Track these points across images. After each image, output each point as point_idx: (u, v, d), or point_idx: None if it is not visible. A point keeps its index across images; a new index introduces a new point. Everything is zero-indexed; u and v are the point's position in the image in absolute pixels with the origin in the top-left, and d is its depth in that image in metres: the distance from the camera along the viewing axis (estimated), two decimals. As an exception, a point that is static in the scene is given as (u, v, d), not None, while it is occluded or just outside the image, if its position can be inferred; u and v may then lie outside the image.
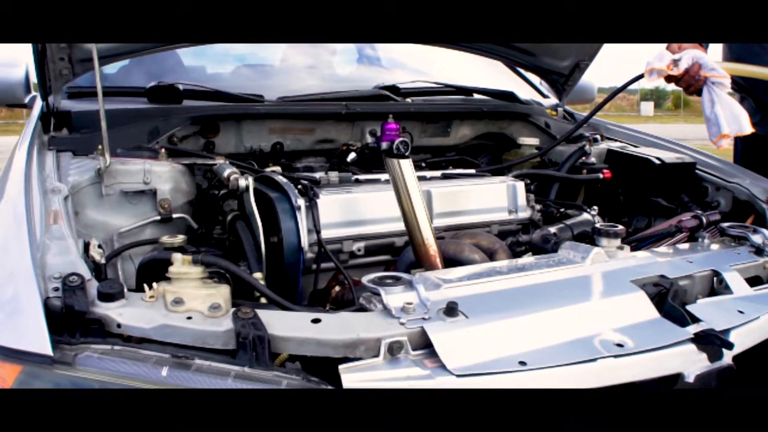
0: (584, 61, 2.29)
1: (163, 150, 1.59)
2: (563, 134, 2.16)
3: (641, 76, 1.85)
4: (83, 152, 1.58)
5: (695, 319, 1.14)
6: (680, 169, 1.93)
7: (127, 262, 1.46)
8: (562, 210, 1.80)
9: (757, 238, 1.49)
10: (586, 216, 1.71)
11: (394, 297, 1.03)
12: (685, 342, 1.08)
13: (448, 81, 2.40)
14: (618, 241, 1.38)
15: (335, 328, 0.95)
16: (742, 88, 2.35)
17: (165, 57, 2.22)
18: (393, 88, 2.22)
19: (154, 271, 1.13)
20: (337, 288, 1.40)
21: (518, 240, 1.63)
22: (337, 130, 2.04)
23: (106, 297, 0.93)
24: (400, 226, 1.41)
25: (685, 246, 1.53)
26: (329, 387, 0.90)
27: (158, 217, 1.51)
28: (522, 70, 2.72)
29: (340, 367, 0.90)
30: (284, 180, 1.48)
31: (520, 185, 1.75)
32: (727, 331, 1.13)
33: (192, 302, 0.97)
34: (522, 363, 0.95)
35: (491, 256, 1.49)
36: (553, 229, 1.61)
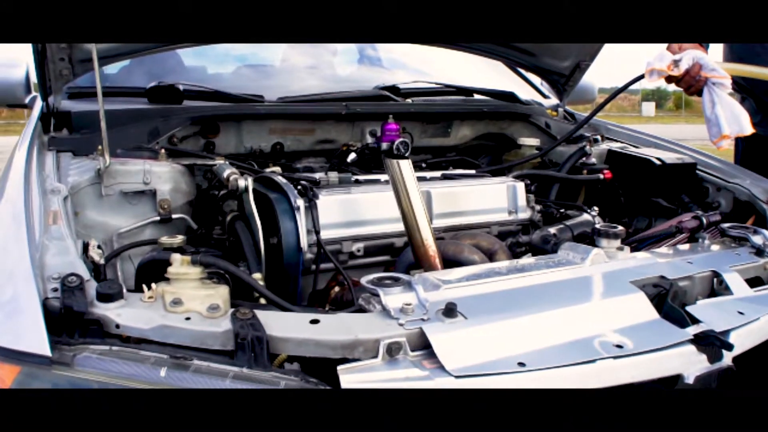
0: (585, 62, 2.29)
1: (162, 150, 1.59)
2: (564, 135, 2.16)
3: (642, 77, 1.85)
4: (83, 152, 1.58)
5: (695, 320, 1.14)
6: (681, 170, 1.93)
7: (126, 263, 1.46)
8: (562, 211, 1.79)
9: (757, 239, 1.49)
10: (586, 217, 1.71)
11: (393, 298, 1.02)
12: (685, 343, 1.07)
13: (448, 81, 2.40)
14: (618, 242, 1.38)
15: (334, 328, 0.95)
16: (743, 88, 2.34)
17: (166, 57, 2.22)
18: (393, 89, 2.21)
19: (153, 271, 1.13)
20: (337, 288, 1.40)
21: (518, 241, 1.62)
22: (337, 131, 2.04)
23: (104, 297, 0.93)
24: (400, 226, 1.41)
25: (686, 247, 1.53)
26: (327, 387, 0.90)
27: (158, 218, 1.51)
28: (522, 71, 2.72)
29: (339, 368, 0.90)
30: (284, 180, 1.48)
31: (520, 186, 1.75)
32: (726, 332, 1.12)
33: (191, 303, 0.97)
34: (521, 364, 0.94)
35: (491, 256, 1.49)
36: (552, 230, 1.61)
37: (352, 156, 1.87)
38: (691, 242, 1.58)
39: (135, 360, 0.87)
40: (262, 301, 1.15)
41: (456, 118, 2.22)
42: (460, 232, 1.61)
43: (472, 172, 1.91)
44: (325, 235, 1.43)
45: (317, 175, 1.61)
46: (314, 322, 0.96)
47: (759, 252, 1.47)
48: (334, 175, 1.62)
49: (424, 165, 2.14)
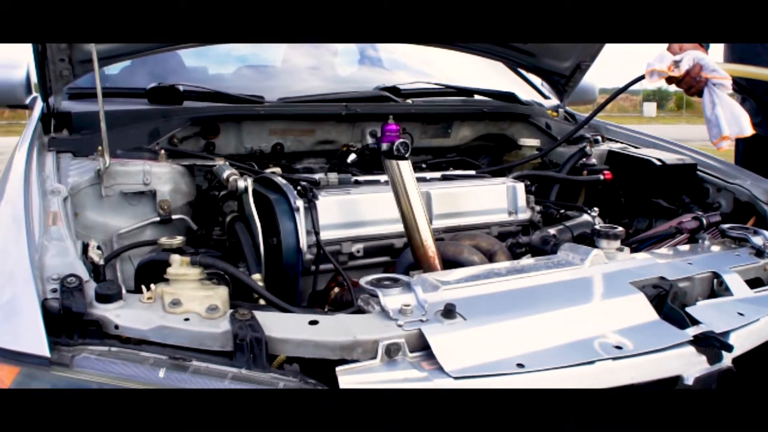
0: (585, 62, 2.29)
1: (162, 151, 1.59)
2: (564, 135, 2.16)
3: (642, 77, 1.85)
4: (83, 153, 1.58)
5: (695, 321, 1.14)
6: (681, 170, 1.93)
7: (126, 264, 1.46)
8: (562, 211, 1.79)
9: (757, 240, 1.49)
10: (586, 217, 1.71)
11: (392, 299, 1.02)
12: (685, 344, 1.07)
13: (449, 82, 2.40)
14: (617, 243, 1.38)
15: (332, 329, 0.95)
16: (743, 89, 2.34)
17: (167, 58, 2.23)
18: (393, 89, 2.22)
19: (152, 272, 1.13)
20: (336, 289, 1.40)
21: (518, 241, 1.62)
22: (337, 131, 2.04)
23: (103, 298, 0.93)
24: (400, 227, 1.41)
25: (686, 247, 1.53)
26: (325, 388, 0.90)
27: (158, 219, 1.52)
28: (523, 71, 2.72)
29: (337, 368, 0.90)
30: (283, 181, 1.48)
31: (520, 186, 1.75)
32: (726, 334, 1.12)
33: (190, 304, 0.97)
34: (520, 365, 0.94)
35: (491, 257, 1.49)
36: (552, 231, 1.61)
37: (352, 157, 1.88)
38: (691, 243, 1.58)
39: (134, 361, 0.87)
40: (262, 302, 1.15)
41: (456, 118, 2.22)
42: (460, 232, 1.61)
43: (472, 172, 1.90)
44: (324, 235, 1.43)
45: (317, 176, 1.61)
46: (313, 323, 0.96)
47: (759, 253, 1.46)
48: (333, 176, 1.62)
49: (424, 166, 2.14)
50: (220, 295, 0.99)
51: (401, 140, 1.37)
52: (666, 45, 1.89)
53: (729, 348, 1.08)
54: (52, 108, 1.81)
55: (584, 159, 2.02)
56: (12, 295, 0.92)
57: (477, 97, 2.40)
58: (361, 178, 1.66)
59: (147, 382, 0.85)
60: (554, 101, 2.59)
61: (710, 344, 1.08)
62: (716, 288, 1.32)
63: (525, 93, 2.59)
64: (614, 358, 1.00)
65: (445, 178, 1.78)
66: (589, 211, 1.74)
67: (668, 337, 1.07)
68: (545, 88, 2.67)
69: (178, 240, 1.18)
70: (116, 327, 0.92)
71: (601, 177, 1.95)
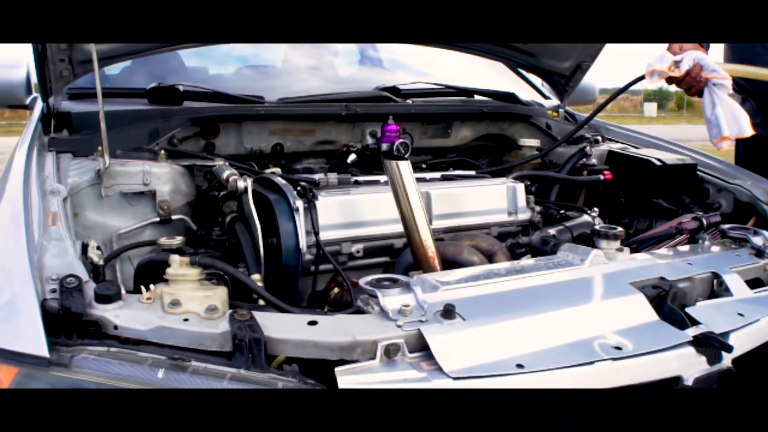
0: (585, 62, 2.29)
1: (162, 151, 1.59)
2: (564, 135, 2.16)
3: (642, 78, 1.85)
4: (83, 153, 1.58)
5: (694, 322, 1.14)
6: (681, 171, 1.92)
7: (126, 264, 1.46)
8: (562, 212, 1.79)
9: (757, 240, 1.49)
10: (585, 218, 1.71)
11: (391, 299, 1.02)
12: (684, 345, 1.07)
13: (449, 82, 2.40)
14: (617, 243, 1.38)
15: (331, 330, 0.95)
16: (744, 89, 2.34)
17: (167, 58, 2.23)
18: (393, 89, 2.21)
19: (152, 272, 1.13)
20: (336, 290, 1.40)
21: (518, 242, 1.62)
22: (337, 132, 2.04)
23: (102, 299, 0.93)
24: (399, 227, 1.41)
25: (686, 248, 1.52)
26: (323, 388, 0.90)
27: (157, 219, 1.52)
28: (523, 71, 2.72)
29: (336, 369, 0.90)
30: (283, 182, 1.48)
31: (520, 187, 1.74)
32: (726, 334, 1.12)
33: (189, 304, 0.97)
34: (519, 366, 0.94)
35: (490, 258, 1.49)
36: (552, 231, 1.61)
37: (352, 157, 1.87)
38: (691, 243, 1.58)
39: (133, 361, 0.87)
40: (261, 302, 1.15)
41: (456, 118, 2.22)
42: (460, 233, 1.61)
43: (472, 173, 1.90)
44: (324, 236, 1.43)
45: (317, 176, 1.61)
46: (312, 323, 0.96)
47: (759, 253, 1.46)
48: (333, 176, 1.62)
49: (424, 166, 2.14)
50: (219, 295, 0.99)
51: (401, 140, 1.37)
52: (666, 45, 1.89)
53: (729, 348, 1.08)
54: (52, 108, 1.81)
55: (584, 159, 2.02)
56: (11, 295, 0.92)
57: (477, 97, 2.40)
58: (360, 179, 1.66)
59: (146, 383, 0.85)
60: (554, 101, 2.59)
61: (710, 345, 1.08)
62: (716, 288, 1.32)
63: (525, 93, 2.59)
64: (614, 359, 1.00)
65: (444, 179, 1.78)
66: (589, 212, 1.74)
67: (668, 338, 1.07)
68: (545, 89, 2.67)
69: (178, 240, 1.18)
70: (115, 327, 0.91)
71: (601, 177, 1.95)
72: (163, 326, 0.92)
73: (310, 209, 1.42)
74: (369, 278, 1.09)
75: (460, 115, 2.22)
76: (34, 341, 0.84)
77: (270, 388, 0.87)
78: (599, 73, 2.98)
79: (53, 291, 0.93)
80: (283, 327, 0.95)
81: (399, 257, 1.52)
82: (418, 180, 1.39)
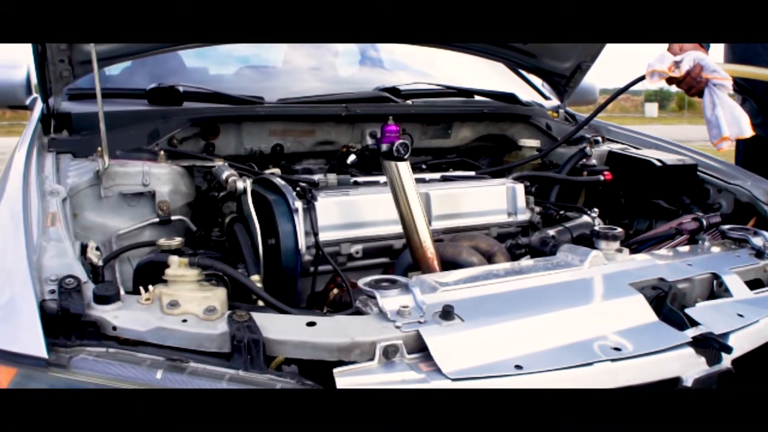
0: (586, 63, 2.29)
1: (162, 152, 1.59)
2: (564, 136, 2.15)
3: (642, 78, 1.85)
4: (83, 154, 1.58)
5: (694, 323, 1.14)
6: (681, 171, 1.92)
7: (125, 265, 1.46)
8: (562, 212, 1.79)
9: (757, 241, 1.48)
10: (585, 218, 1.71)
11: (390, 300, 1.02)
12: (684, 346, 1.07)
13: (449, 83, 2.39)
14: (617, 244, 1.38)
15: (330, 331, 0.95)
16: (744, 89, 2.34)
17: (167, 58, 2.23)
18: (393, 90, 2.21)
19: (151, 273, 1.13)
20: (335, 290, 1.40)
21: (518, 242, 1.62)
22: (337, 132, 2.04)
23: (101, 299, 0.93)
24: (399, 228, 1.41)
25: (685, 248, 1.52)
26: (320, 388, 0.90)
27: (157, 219, 1.52)
28: (524, 72, 2.71)
29: (335, 370, 0.89)
30: (282, 182, 1.48)
31: (520, 187, 1.74)
32: (726, 335, 1.12)
33: (188, 305, 0.97)
34: (518, 367, 0.94)
35: (490, 258, 1.49)
36: (551, 232, 1.61)
37: (351, 157, 1.87)
38: (691, 244, 1.58)
39: (131, 362, 0.87)
40: (261, 303, 1.15)
41: (456, 119, 2.21)
42: (459, 233, 1.61)
43: (472, 173, 1.90)
44: (323, 237, 1.43)
45: (316, 177, 1.61)
46: (311, 324, 0.96)
47: (759, 254, 1.46)
48: (333, 177, 1.62)
49: (424, 166, 2.14)
50: (218, 296, 0.99)
51: (401, 141, 1.37)
52: (666, 45, 1.88)
53: (728, 349, 1.08)
54: (52, 109, 1.81)
55: (584, 160, 2.01)
56: (10, 296, 0.92)
57: (477, 97, 2.39)
58: (360, 179, 1.66)
59: (144, 384, 0.85)
60: (555, 102, 2.59)
61: (709, 345, 1.08)
62: (716, 289, 1.31)
63: (525, 94, 2.59)
64: (613, 360, 1.00)
65: (444, 179, 1.78)
66: (588, 212, 1.73)
67: (667, 339, 1.07)
68: (546, 89, 2.66)
69: (177, 241, 1.18)
70: (114, 328, 0.91)
71: (601, 178, 1.95)
72: (161, 327, 0.92)
73: (310, 210, 1.42)
74: (367, 279, 1.09)
75: (460, 115, 2.22)
76: (33, 342, 0.84)
77: (268, 388, 0.87)
78: (600, 73, 2.98)
79: (52, 292, 0.93)
80: (281, 328, 0.95)
81: (398, 258, 1.52)
82: (418, 181, 1.39)
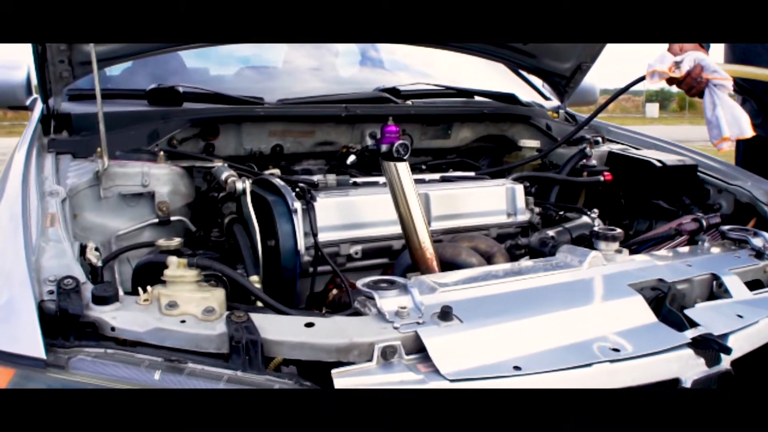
0: (586, 63, 2.29)
1: (161, 152, 1.59)
2: (564, 136, 2.15)
3: (642, 78, 1.85)
4: (83, 155, 1.59)
5: (693, 324, 1.13)
6: (681, 172, 1.92)
7: (124, 265, 1.46)
8: (562, 213, 1.79)
9: (757, 242, 1.48)
10: (585, 219, 1.70)
11: (388, 301, 1.02)
12: (683, 347, 1.06)
13: (449, 83, 2.39)
14: (616, 245, 1.38)
15: (328, 332, 0.95)
16: (744, 89, 2.33)
17: (168, 59, 2.23)
18: (393, 91, 2.21)
19: (149, 274, 1.13)
20: (335, 291, 1.40)
21: (517, 243, 1.62)
22: (337, 133, 2.04)
23: (100, 300, 0.93)
24: (398, 229, 1.41)
25: (685, 249, 1.52)
26: (317, 388, 0.90)
27: (156, 220, 1.52)
28: (524, 72, 2.71)
29: (333, 371, 0.89)
30: (281, 183, 1.48)
31: (519, 188, 1.74)
32: (725, 336, 1.12)
33: (186, 306, 0.97)
34: (516, 368, 0.94)
35: (489, 259, 1.48)
36: (551, 233, 1.61)
37: (351, 158, 1.87)
38: (690, 245, 1.58)
39: (129, 363, 0.87)
40: (259, 304, 1.15)
41: (456, 119, 2.21)
42: (459, 234, 1.61)
43: (471, 174, 1.90)
44: (322, 237, 1.43)
45: (315, 178, 1.61)
46: (309, 325, 0.96)
47: (759, 254, 1.46)
48: (332, 178, 1.62)
49: (423, 167, 2.13)
50: (216, 297, 0.99)
51: (401, 142, 1.37)
52: (666, 46, 1.88)
53: (727, 350, 1.08)
54: (51, 109, 1.81)
55: (584, 160, 2.01)
56: (9, 296, 0.92)
57: (477, 98, 2.39)
58: (359, 180, 1.66)
59: (142, 385, 0.85)
60: (555, 102, 2.59)
61: (709, 347, 1.08)
62: (715, 290, 1.31)
63: (525, 94, 2.59)
64: (612, 361, 1.00)
65: (444, 180, 1.78)
66: (588, 213, 1.73)
67: (666, 340, 1.07)
68: (546, 89, 2.66)
69: (176, 242, 1.19)
70: (113, 329, 0.92)
71: (601, 178, 1.95)
72: (160, 328, 0.92)
73: (309, 211, 1.42)
74: (366, 280, 1.09)
75: (460, 116, 2.22)
76: (31, 343, 0.84)
77: (266, 388, 0.87)
78: (600, 73, 2.98)
79: (51, 292, 0.93)
80: (279, 329, 0.95)
81: (398, 258, 1.52)
82: (417, 181, 1.39)
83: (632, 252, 1.47)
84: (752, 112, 2.13)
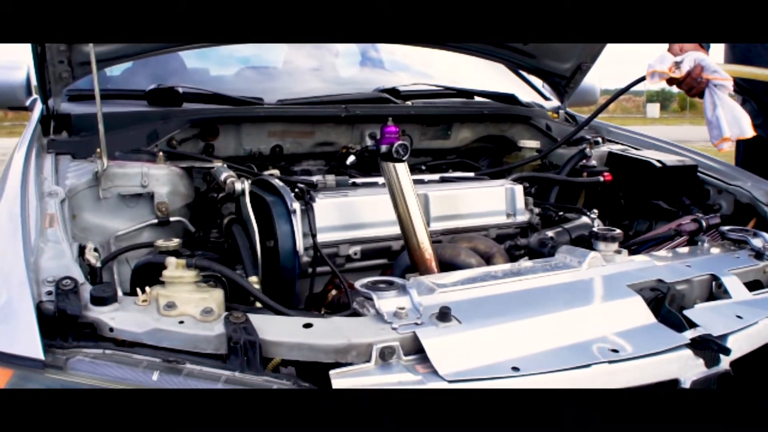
0: (586, 63, 2.28)
1: (161, 153, 1.59)
2: (564, 137, 2.15)
3: (642, 79, 1.85)
4: (82, 155, 1.59)
5: (692, 324, 1.13)
6: (681, 172, 1.92)
7: (123, 266, 1.45)
8: (561, 213, 1.79)
9: (757, 242, 1.48)
10: (584, 219, 1.70)
11: (387, 302, 1.02)
12: (682, 347, 1.06)
13: (449, 83, 2.39)
14: (615, 245, 1.37)
15: (327, 333, 0.95)
16: (744, 90, 2.33)
17: (168, 59, 2.23)
18: (393, 91, 2.21)
19: (148, 274, 1.13)
20: (334, 292, 1.40)
21: (516, 244, 1.62)
22: (336, 133, 2.04)
23: (98, 301, 0.94)
24: (397, 229, 1.41)
25: (685, 250, 1.52)
26: (314, 388, 0.90)
27: (155, 221, 1.52)
28: (524, 73, 2.71)
29: (331, 372, 0.89)
30: (280, 183, 1.47)
31: (519, 189, 1.74)
32: (724, 337, 1.12)
33: (185, 306, 0.97)
34: (515, 369, 0.94)
35: (488, 260, 1.48)
36: (550, 233, 1.61)
37: (351, 159, 1.87)
38: (690, 245, 1.58)
39: (127, 363, 0.87)
40: (258, 304, 1.14)
41: (456, 120, 2.21)
42: (458, 235, 1.61)
43: (471, 174, 1.90)
44: (321, 238, 1.43)
45: (315, 178, 1.60)
46: (307, 326, 0.96)
47: (758, 255, 1.46)
48: (331, 178, 1.62)
49: (423, 167, 2.13)
50: (215, 297, 0.99)
51: (400, 142, 1.37)
52: (666, 46, 1.88)
53: (727, 351, 1.08)
54: (51, 110, 1.81)
55: (584, 160, 2.01)
56: (7, 297, 0.92)
57: (477, 98, 2.39)
58: (359, 180, 1.66)
59: (140, 385, 0.85)
60: (555, 102, 2.58)
61: (708, 347, 1.07)
62: (715, 290, 1.31)
63: (525, 94, 2.59)
64: (611, 362, 0.99)
65: (443, 180, 1.77)
66: (588, 213, 1.73)
67: (665, 341, 1.07)
68: (546, 90, 2.66)
69: (175, 242, 1.19)
70: (111, 330, 0.92)
71: (601, 179, 1.94)
72: (158, 329, 0.92)
73: (308, 211, 1.42)
74: (365, 280, 1.09)
75: (459, 116, 2.22)
76: (30, 343, 0.84)
77: (264, 389, 0.87)
78: (600, 74, 2.98)
79: (49, 293, 0.93)
80: (278, 330, 0.95)
81: (396, 259, 1.52)
82: (416, 182, 1.39)
83: (632, 252, 1.47)
84: (752, 112, 2.13)
